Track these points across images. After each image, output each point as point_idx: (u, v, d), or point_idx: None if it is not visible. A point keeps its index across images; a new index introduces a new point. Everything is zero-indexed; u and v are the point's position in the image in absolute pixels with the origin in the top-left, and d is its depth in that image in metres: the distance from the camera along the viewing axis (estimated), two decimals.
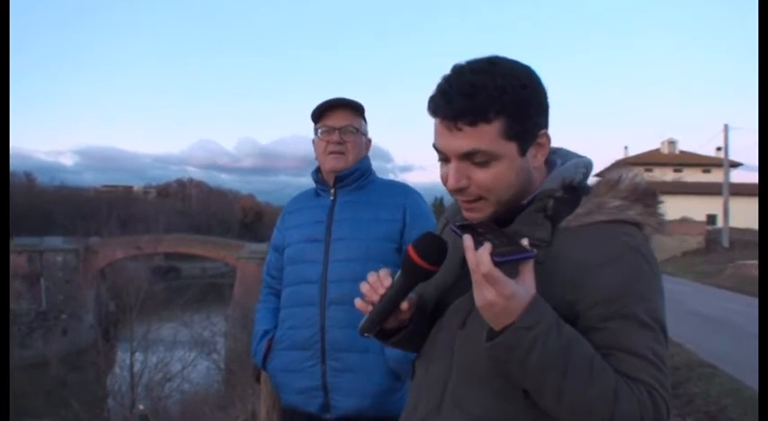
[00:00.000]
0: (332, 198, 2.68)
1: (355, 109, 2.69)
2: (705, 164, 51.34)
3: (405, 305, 1.37)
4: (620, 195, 1.34)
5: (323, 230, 2.61)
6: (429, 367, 1.45)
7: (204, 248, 50.76)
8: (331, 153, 2.63)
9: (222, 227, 74.32)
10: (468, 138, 1.27)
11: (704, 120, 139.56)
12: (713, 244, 34.50)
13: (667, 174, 51.33)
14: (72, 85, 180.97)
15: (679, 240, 34.82)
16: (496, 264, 1.15)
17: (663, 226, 1.36)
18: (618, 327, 1.25)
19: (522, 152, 1.30)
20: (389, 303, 1.34)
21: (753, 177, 49.48)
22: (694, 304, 17.26)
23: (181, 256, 58.59)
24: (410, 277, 1.32)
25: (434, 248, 1.30)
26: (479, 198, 1.32)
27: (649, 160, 55.66)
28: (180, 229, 58.29)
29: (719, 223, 36.69)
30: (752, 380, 8.35)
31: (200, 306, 33.59)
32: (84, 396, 19.06)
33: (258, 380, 4.13)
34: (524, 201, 1.36)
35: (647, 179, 1.40)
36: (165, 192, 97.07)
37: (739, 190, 38.23)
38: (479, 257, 1.15)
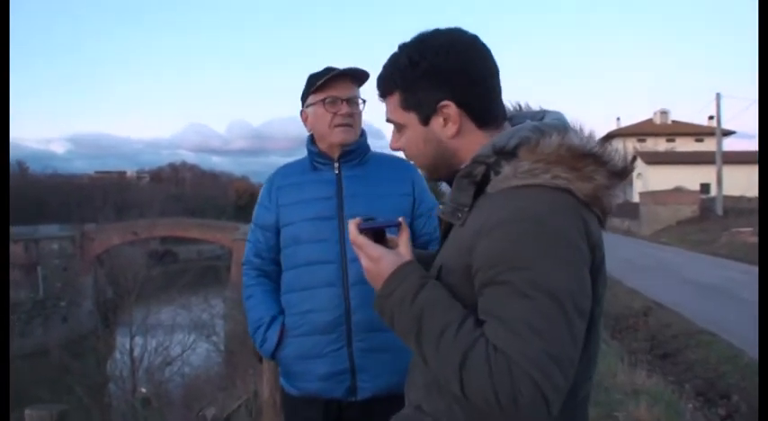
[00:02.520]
0: (336, 172, 2.52)
1: (360, 79, 2.50)
2: (698, 133, 51.39)
3: None
4: (539, 158, 1.29)
5: (333, 207, 2.46)
6: None
7: (200, 231, 50.67)
8: (339, 125, 2.47)
9: (216, 209, 74.06)
10: (386, 109, 1.49)
11: (696, 89, 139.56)
12: (707, 212, 34.48)
13: (660, 144, 51.40)
14: (60, 72, 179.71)
15: (673, 210, 34.85)
16: (361, 231, 1.38)
17: (601, 190, 1.30)
18: (491, 294, 1.24)
19: (424, 122, 1.43)
20: None
21: (745, 145, 49.59)
22: (690, 273, 17.30)
23: (177, 240, 58.45)
24: None
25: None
26: (412, 158, 1.52)
27: (642, 131, 55.67)
28: (175, 213, 58.12)
29: (713, 192, 36.69)
30: (749, 346, 8.42)
31: (197, 289, 33.54)
32: (85, 382, 19.11)
33: (260, 359, 4.15)
34: (459, 168, 1.41)
35: (586, 142, 1.32)
36: (158, 176, 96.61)
37: (732, 158, 38.22)
38: (349, 229, 1.38)
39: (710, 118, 43.08)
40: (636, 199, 39.39)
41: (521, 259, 1.21)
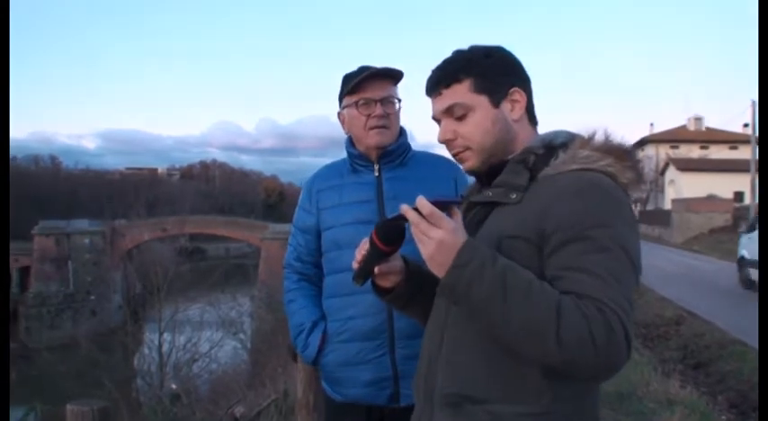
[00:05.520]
0: (376, 175, 2.49)
1: (395, 78, 2.47)
2: (732, 140, 50.50)
3: (376, 270, 1.59)
4: (593, 149, 1.52)
5: (374, 210, 2.44)
6: (430, 328, 1.65)
7: (229, 229, 51.07)
8: (373, 128, 2.42)
9: (245, 208, 74.72)
10: (446, 97, 1.59)
11: (731, 96, 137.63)
12: (740, 221, 34.02)
13: (693, 151, 50.70)
14: (92, 68, 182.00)
15: (706, 218, 34.38)
16: (432, 203, 1.37)
17: (639, 181, 1.53)
18: (574, 249, 1.37)
19: (495, 104, 1.58)
20: (364, 265, 1.55)
21: None
22: (722, 282, 16.81)
23: (205, 237, 59.06)
24: (373, 252, 1.51)
25: (392, 233, 1.47)
26: (465, 148, 1.60)
27: (675, 137, 55.04)
28: (204, 211, 58.73)
29: (746, 200, 36.17)
30: None
31: (225, 286, 33.74)
32: (113, 376, 19.31)
33: (295, 359, 4.15)
34: (510, 157, 1.58)
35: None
36: (188, 173, 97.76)
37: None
38: (420, 202, 1.37)
39: (745, 125, 42.42)
40: (668, 206, 38.96)
41: (602, 218, 1.38)
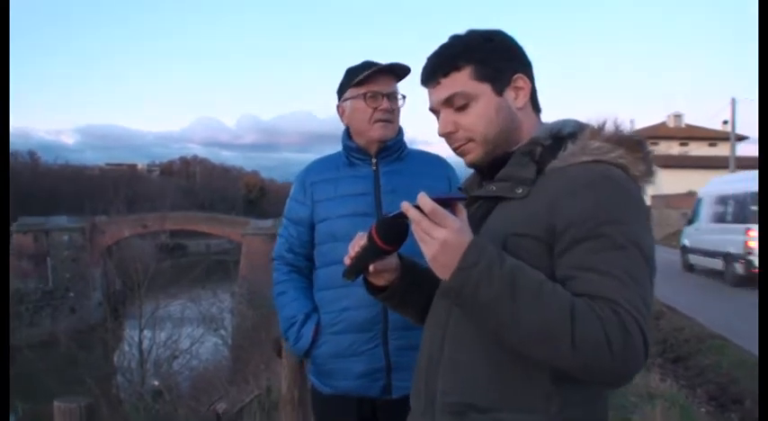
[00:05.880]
0: (374, 168, 2.50)
1: (400, 75, 2.49)
2: (711, 137, 50.98)
3: (372, 268, 1.51)
4: (604, 139, 1.44)
5: (371, 203, 2.45)
6: (430, 329, 1.55)
7: (210, 225, 50.81)
8: (379, 121, 2.44)
9: (226, 203, 74.38)
10: (446, 87, 1.49)
11: (711, 93, 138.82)
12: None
13: (673, 148, 51.06)
14: (71, 63, 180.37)
15: (685, 214, 34.71)
16: (434, 200, 1.28)
17: (651, 174, 1.46)
18: (588, 247, 1.30)
19: (498, 92, 1.49)
20: (358, 261, 1.48)
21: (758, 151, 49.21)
22: (700, 278, 17.27)
23: (186, 234, 58.68)
24: (371, 249, 1.43)
25: (393, 232, 1.38)
26: (468, 140, 1.51)
27: (655, 134, 55.33)
28: (184, 207, 58.35)
29: None
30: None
31: (206, 283, 33.60)
32: (93, 373, 19.18)
33: (280, 354, 4.14)
34: (515, 148, 1.50)
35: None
36: (168, 169, 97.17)
37: (746, 163, 37.97)
38: (421, 199, 1.27)
39: (725, 122, 42.83)
40: (648, 202, 39.15)
41: (615, 214, 1.32)
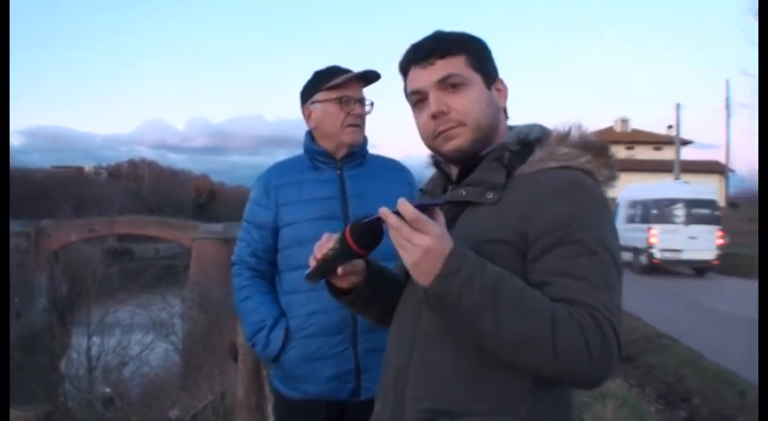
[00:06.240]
0: (339, 171, 2.50)
1: (370, 81, 2.52)
2: (656, 142, 52.07)
3: (340, 271, 1.46)
4: (570, 145, 1.46)
5: (337, 207, 2.44)
6: (397, 332, 1.55)
7: (159, 229, 50.29)
8: (351, 125, 2.46)
9: (175, 207, 73.24)
10: (442, 67, 1.48)
11: (656, 98, 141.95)
12: None
13: (620, 152, 51.96)
14: (16, 63, 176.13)
15: None
16: (417, 207, 1.25)
17: (614, 178, 1.49)
18: (562, 253, 1.32)
19: (488, 86, 1.52)
20: (326, 264, 1.44)
21: (702, 155, 50.42)
22: (646, 279, 17.87)
23: (134, 238, 57.78)
24: (342, 252, 1.40)
25: (369, 236, 1.36)
26: (459, 124, 1.48)
27: (603, 138, 56.11)
28: (132, 210, 57.52)
29: None
30: (707, 350, 8.61)
31: (155, 288, 33.15)
32: (40, 380, 18.77)
33: (236, 359, 4.11)
34: (484, 152, 1.50)
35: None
36: (116, 172, 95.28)
37: (689, 167, 38.98)
38: (402, 206, 1.25)
39: (669, 127, 43.76)
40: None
41: (587, 220, 1.35)
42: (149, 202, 73.33)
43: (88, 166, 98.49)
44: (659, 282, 17.48)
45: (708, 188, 22.46)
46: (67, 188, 60.04)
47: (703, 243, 18.69)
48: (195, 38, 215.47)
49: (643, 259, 19.51)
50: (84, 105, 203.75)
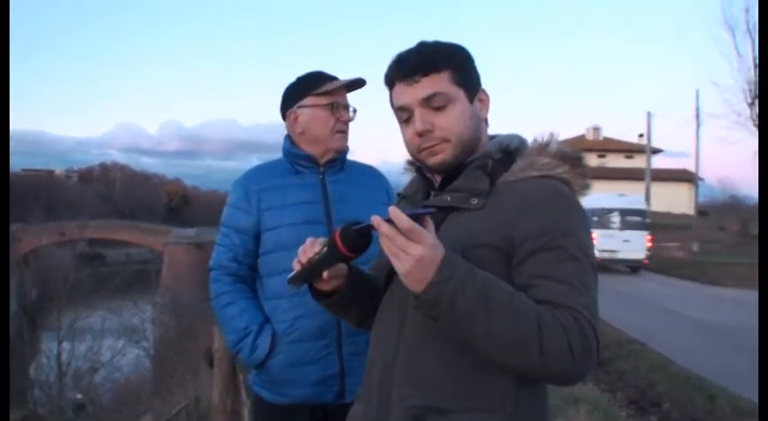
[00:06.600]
0: (321, 176, 2.50)
1: (354, 88, 2.54)
2: (628, 150, 52.55)
3: (325, 274, 1.49)
4: (549, 155, 1.54)
5: (320, 211, 2.44)
6: (381, 334, 1.58)
7: (130, 234, 49.81)
8: (339, 131, 2.47)
9: (147, 212, 72.44)
10: (426, 86, 1.51)
11: (628, 107, 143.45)
12: None
13: (592, 160, 52.19)
14: None
15: None
16: (409, 216, 1.27)
17: (587, 187, 1.56)
18: (546, 258, 1.39)
19: (470, 99, 1.55)
20: (312, 267, 1.47)
21: (672, 163, 51.14)
22: (618, 285, 18.11)
23: (105, 242, 57.16)
24: (331, 256, 1.42)
25: (360, 242, 1.38)
26: (443, 140, 1.52)
27: (575, 146, 56.62)
28: (104, 214, 56.91)
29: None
30: (677, 355, 8.75)
31: (126, 293, 32.81)
32: (8, 386, 18.50)
33: (212, 364, 4.10)
34: (468, 160, 1.55)
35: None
36: (87, 176, 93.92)
37: (660, 175, 39.54)
38: (395, 215, 1.26)
39: (640, 136, 44.23)
40: None
41: (569, 227, 1.43)
42: (121, 207, 72.51)
43: (59, 170, 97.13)
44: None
45: (639, 199, 26.96)
46: (38, 191, 59.16)
47: (635, 245, 22.77)
48: (169, 41, 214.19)
49: None
50: (55, 108, 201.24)
